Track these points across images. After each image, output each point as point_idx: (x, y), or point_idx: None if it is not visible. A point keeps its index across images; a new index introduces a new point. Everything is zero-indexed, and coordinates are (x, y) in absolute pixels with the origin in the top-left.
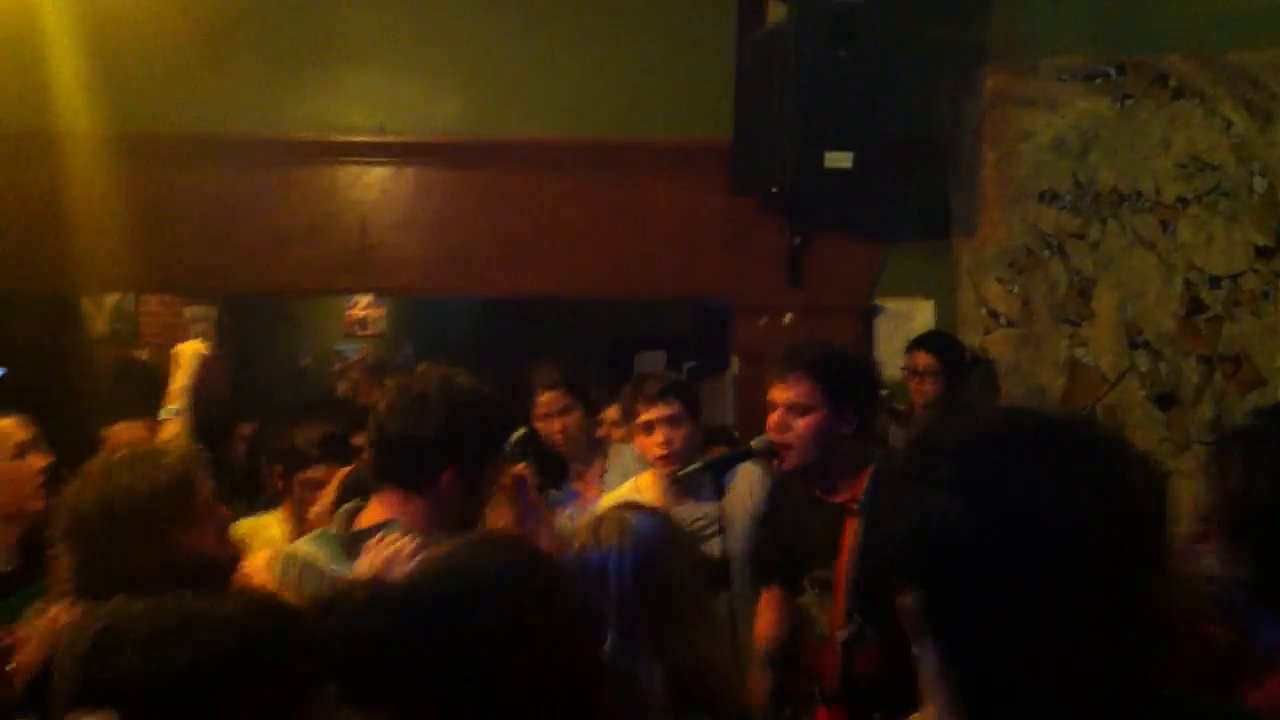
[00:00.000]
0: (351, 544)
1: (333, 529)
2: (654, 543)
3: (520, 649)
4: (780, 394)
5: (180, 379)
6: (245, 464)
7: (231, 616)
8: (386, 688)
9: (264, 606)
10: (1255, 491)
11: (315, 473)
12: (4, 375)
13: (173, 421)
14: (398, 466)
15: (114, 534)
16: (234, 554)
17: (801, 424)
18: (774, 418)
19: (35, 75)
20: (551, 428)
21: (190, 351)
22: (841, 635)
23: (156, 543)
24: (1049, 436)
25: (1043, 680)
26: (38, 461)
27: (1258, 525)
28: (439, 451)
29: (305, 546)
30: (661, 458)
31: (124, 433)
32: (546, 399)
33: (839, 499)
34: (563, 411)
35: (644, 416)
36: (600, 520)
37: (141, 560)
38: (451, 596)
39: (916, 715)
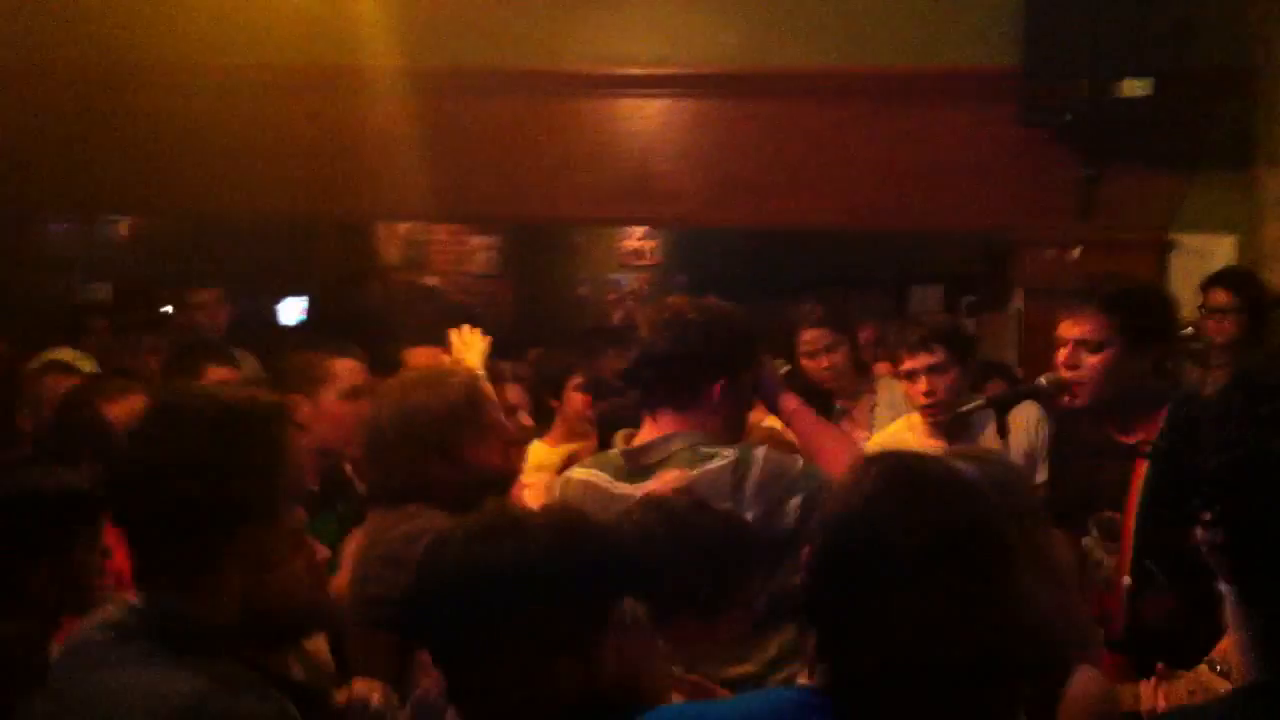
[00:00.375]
0: (632, 461)
1: (612, 451)
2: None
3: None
4: (1071, 329)
5: (475, 362)
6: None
7: (545, 525)
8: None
9: (572, 518)
10: None
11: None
12: (306, 304)
13: None
14: (669, 386)
15: (412, 448)
16: (516, 469)
17: (1093, 360)
18: (1064, 354)
19: (341, 13)
20: (818, 364)
21: (480, 342)
22: (1128, 582)
23: (450, 456)
24: None
25: None
26: (366, 407)
27: None
28: (707, 366)
29: (584, 470)
30: (926, 407)
31: (423, 356)
32: (810, 336)
33: (1131, 439)
34: (828, 349)
35: (906, 365)
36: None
37: (435, 472)
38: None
39: (1212, 656)
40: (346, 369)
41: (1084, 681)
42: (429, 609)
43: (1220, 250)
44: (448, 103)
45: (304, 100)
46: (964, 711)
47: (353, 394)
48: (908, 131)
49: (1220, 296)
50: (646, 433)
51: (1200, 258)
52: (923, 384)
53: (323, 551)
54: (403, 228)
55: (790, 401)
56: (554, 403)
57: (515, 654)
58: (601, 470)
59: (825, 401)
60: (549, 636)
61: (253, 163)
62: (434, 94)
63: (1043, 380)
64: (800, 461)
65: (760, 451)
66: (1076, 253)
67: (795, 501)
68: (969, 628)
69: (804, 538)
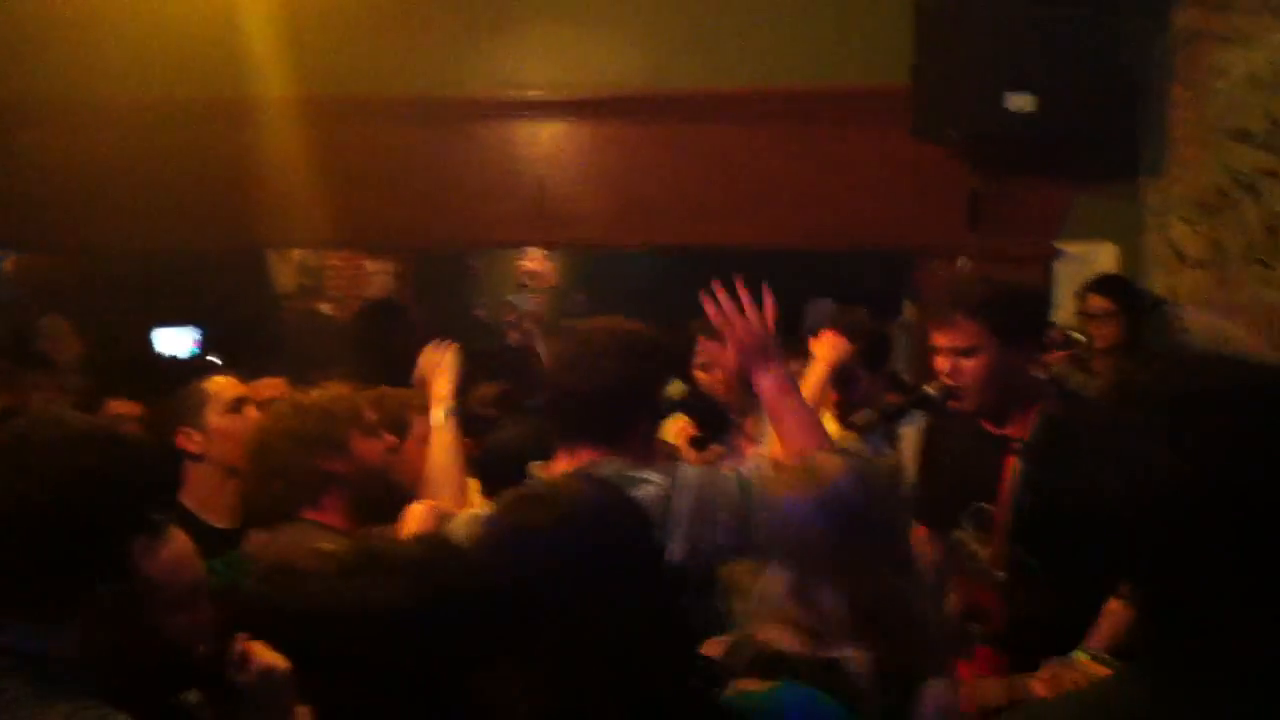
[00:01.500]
0: None
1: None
2: (842, 486)
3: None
4: (943, 338)
5: (443, 385)
6: None
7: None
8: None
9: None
10: None
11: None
12: (198, 335)
13: (446, 425)
14: (588, 423)
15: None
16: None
17: (969, 365)
18: (941, 363)
19: (228, 44)
20: (713, 376)
21: (450, 358)
22: (1002, 575)
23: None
24: (1266, 391)
25: (1233, 642)
26: (254, 415)
27: None
28: (628, 403)
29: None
30: (837, 403)
31: (266, 389)
32: (707, 348)
33: (1005, 432)
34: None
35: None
36: (788, 468)
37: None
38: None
39: (1088, 646)
40: (222, 385)
41: (938, 694)
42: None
43: (1103, 257)
44: (343, 130)
45: (197, 131)
46: None
47: (236, 406)
48: (802, 150)
49: (1098, 302)
50: (563, 464)
51: (1084, 265)
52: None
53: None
54: (297, 254)
55: (767, 379)
56: None
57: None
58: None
59: (720, 415)
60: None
61: (145, 195)
62: (329, 122)
63: (930, 389)
64: (734, 476)
65: (693, 474)
66: (964, 264)
67: (724, 517)
68: None
69: (738, 552)
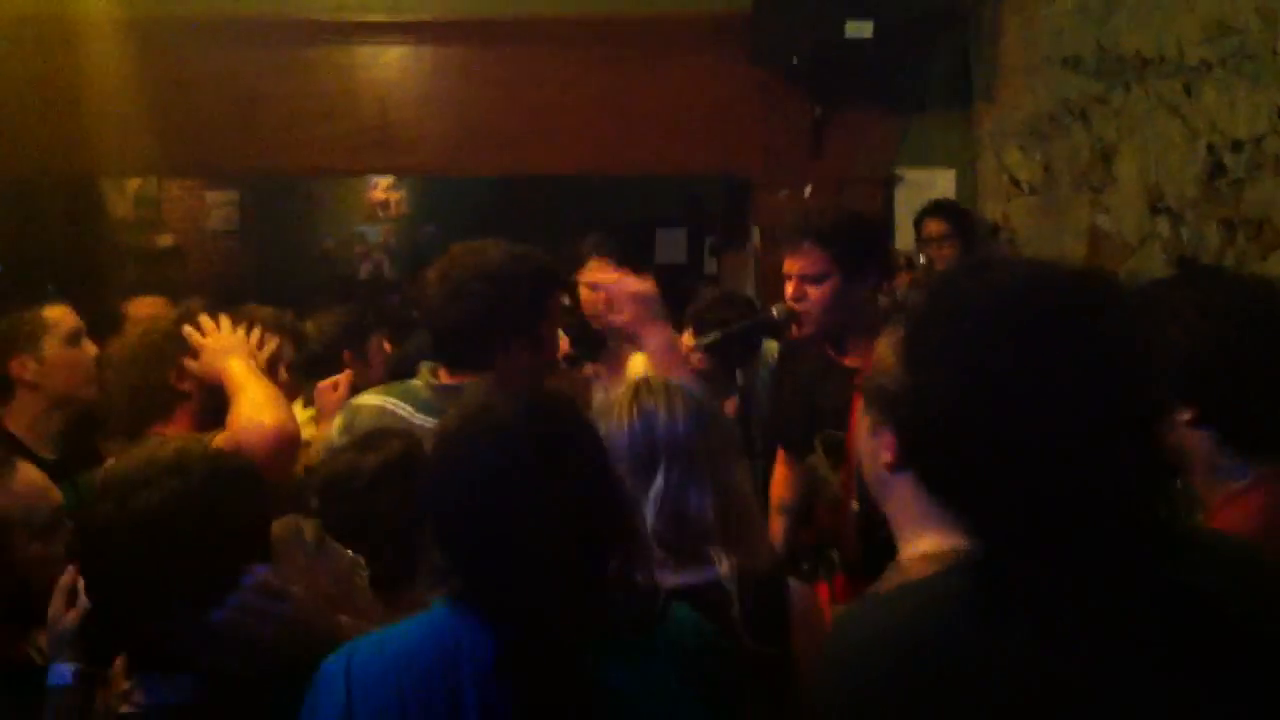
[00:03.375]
0: (440, 398)
1: (416, 382)
2: (694, 395)
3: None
4: (793, 264)
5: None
6: None
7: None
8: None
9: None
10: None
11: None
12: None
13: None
14: (464, 353)
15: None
16: None
17: (815, 293)
18: (789, 288)
19: None
20: (597, 296)
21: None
22: (855, 505)
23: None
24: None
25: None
26: (91, 349)
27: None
28: (499, 329)
29: (379, 397)
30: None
31: (144, 307)
32: (597, 265)
33: (851, 362)
34: None
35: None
36: (644, 381)
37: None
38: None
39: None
40: (61, 314)
41: (804, 595)
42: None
43: (941, 183)
44: (179, 53)
45: (27, 53)
46: None
47: (75, 338)
48: (644, 76)
49: (933, 226)
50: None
51: (922, 190)
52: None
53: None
54: (133, 184)
55: (654, 339)
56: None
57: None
58: (402, 400)
59: (598, 337)
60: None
61: None
62: (164, 45)
63: (774, 311)
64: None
65: None
66: (808, 191)
67: None
68: None
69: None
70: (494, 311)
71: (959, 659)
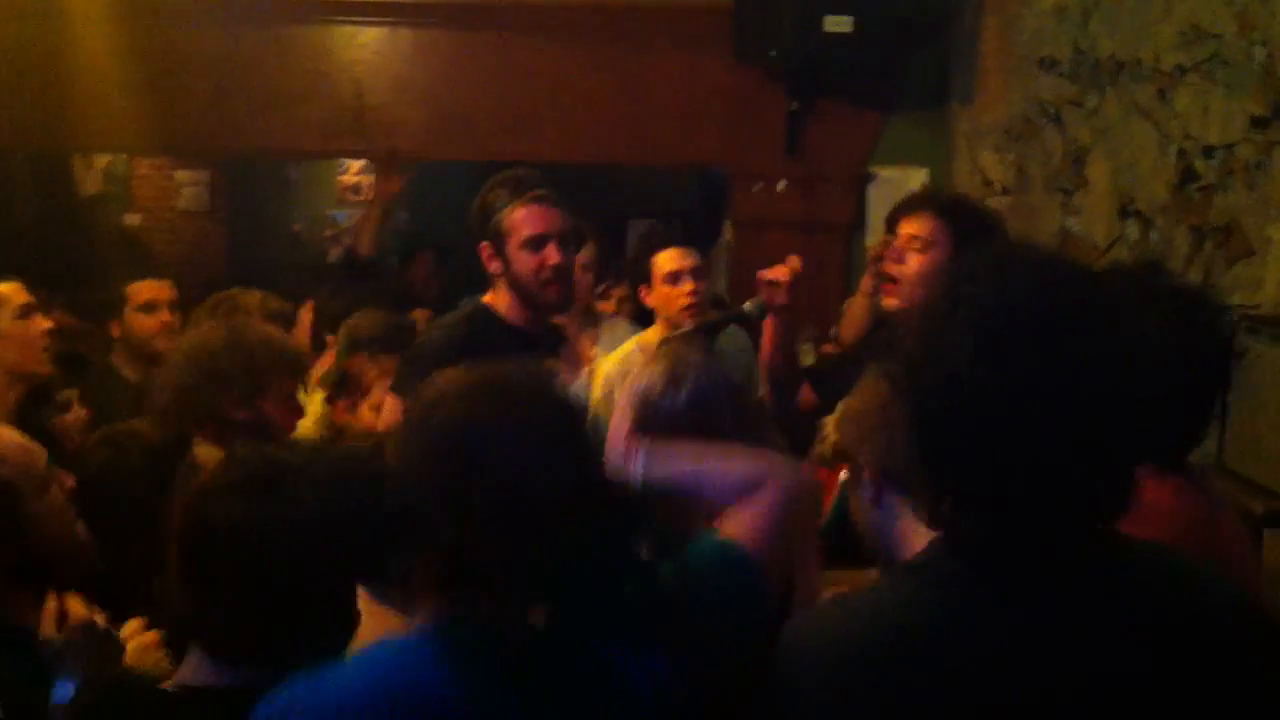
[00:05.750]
0: None
1: None
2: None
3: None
4: (907, 227)
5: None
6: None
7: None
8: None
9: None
10: None
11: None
12: None
13: None
14: None
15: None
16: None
17: (917, 261)
18: (894, 248)
19: None
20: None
21: None
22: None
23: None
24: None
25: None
26: (43, 323)
27: None
28: None
29: None
30: (689, 307)
31: (145, 291)
32: (678, 255)
33: None
34: (583, 268)
35: (671, 267)
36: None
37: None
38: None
39: None
40: (11, 290)
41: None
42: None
43: (915, 182)
44: (152, 30)
45: None
46: None
47: (26, 312)
48: (624, 67)
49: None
50: None
51: (896, 188)
52: (688, 284)
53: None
54: (102, 161)
55: None
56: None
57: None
58: None
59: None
60: None
61: None
62: (137, 21)
63: (747, 306)
64: None
65: None
66: (782, 186)
67: None
68: None
69: None
70: None
71: (916, 665)
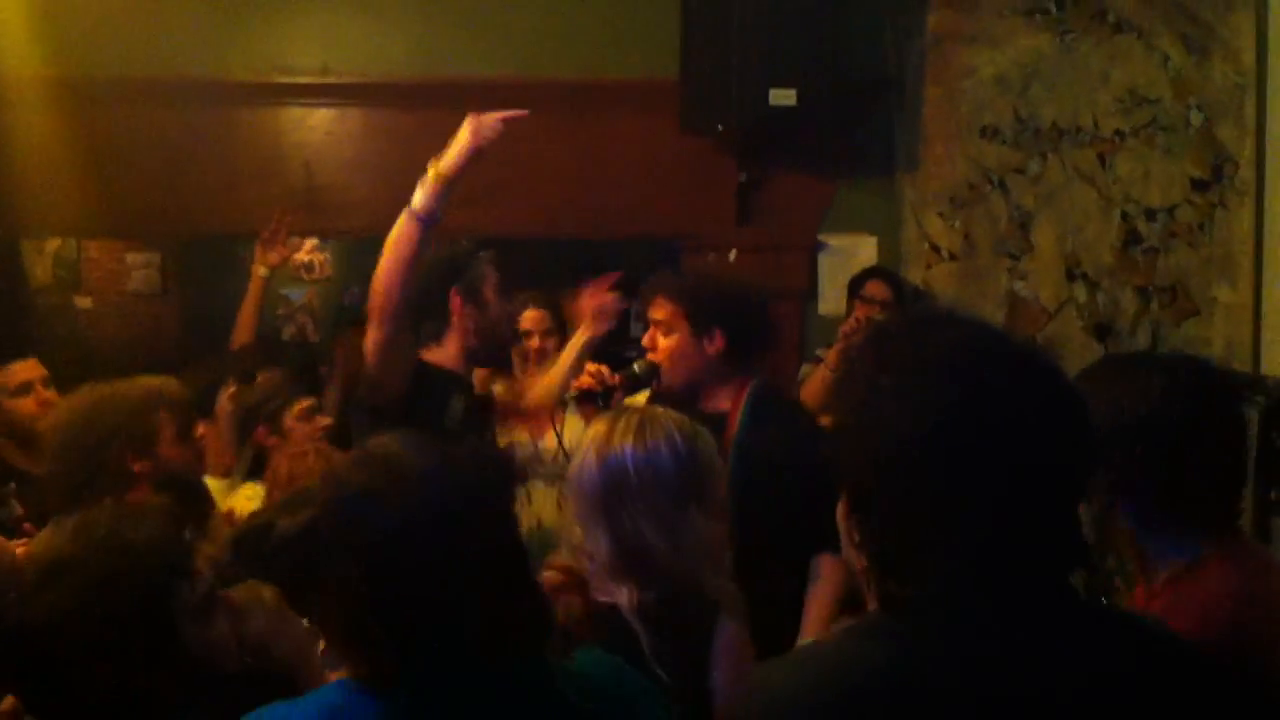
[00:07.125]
0: None
1: None
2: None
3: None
4: (650, 314)
5: None
6: None
7: None
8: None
9: None
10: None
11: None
12: None
13: None
14: None
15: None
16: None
17: (665, 342)
18: (646, 336)
19: None
20: (530, 344)
21: None
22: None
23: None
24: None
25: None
26: None
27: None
28: None
29: None
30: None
31: (17, 374)
32: (533, 316)
33: (714, 408)
34: (546, 333)
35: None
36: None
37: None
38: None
39: None
40: None
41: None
42: None
43: (864, 249)
44: (101, 112)
45: None
46: None
47: None
48: (574, 142)
49: (877, 288)
50: None
51: (846, 257)
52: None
53: None
54: (51, 245)
55: None
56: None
57: None
58: None
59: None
60: None
61: None
62: (86, 103)
63: (635, 366)
64: None
65: None
66: (732, 255)
67: None
68: None
69: None
70: None
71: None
